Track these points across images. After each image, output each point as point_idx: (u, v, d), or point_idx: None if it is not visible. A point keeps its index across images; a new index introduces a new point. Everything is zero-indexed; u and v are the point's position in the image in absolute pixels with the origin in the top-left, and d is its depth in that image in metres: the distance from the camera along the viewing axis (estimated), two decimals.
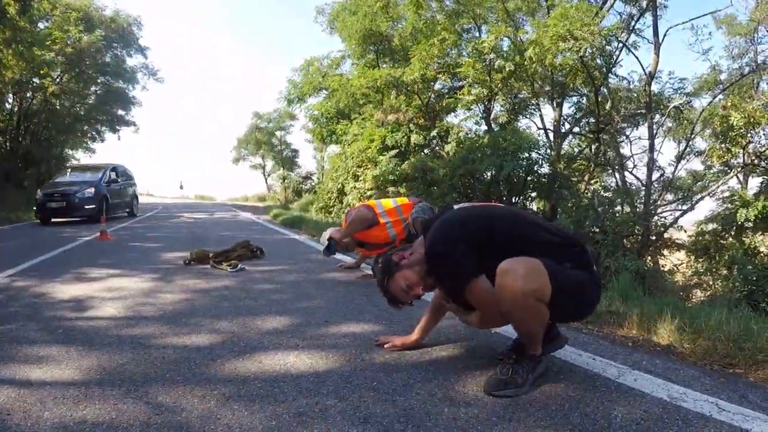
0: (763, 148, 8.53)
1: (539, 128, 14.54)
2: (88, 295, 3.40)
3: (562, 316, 1.94)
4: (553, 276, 1.74)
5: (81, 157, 25.36)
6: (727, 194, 8.44)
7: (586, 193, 10.83)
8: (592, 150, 13.45)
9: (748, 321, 2.41)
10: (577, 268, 1.85)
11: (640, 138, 14.52)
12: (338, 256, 5.49)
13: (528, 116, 15.12)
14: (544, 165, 10.76)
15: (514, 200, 11.11)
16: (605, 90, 12.37)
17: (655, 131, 11.75)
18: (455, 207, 2.06)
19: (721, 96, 12.96)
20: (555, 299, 1.74)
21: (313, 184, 29.49)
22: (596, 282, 1.91)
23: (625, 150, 14.24)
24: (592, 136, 13.07)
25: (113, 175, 12.48)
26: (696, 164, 15.75)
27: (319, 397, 1.77)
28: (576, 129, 14.26)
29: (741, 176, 12.36)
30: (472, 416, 1.62)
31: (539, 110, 14.35)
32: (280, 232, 9.08)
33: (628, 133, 13.93)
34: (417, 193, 11.16)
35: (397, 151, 13.43)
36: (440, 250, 1.87)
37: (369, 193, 12.87)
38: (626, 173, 13.61)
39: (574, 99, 14.13)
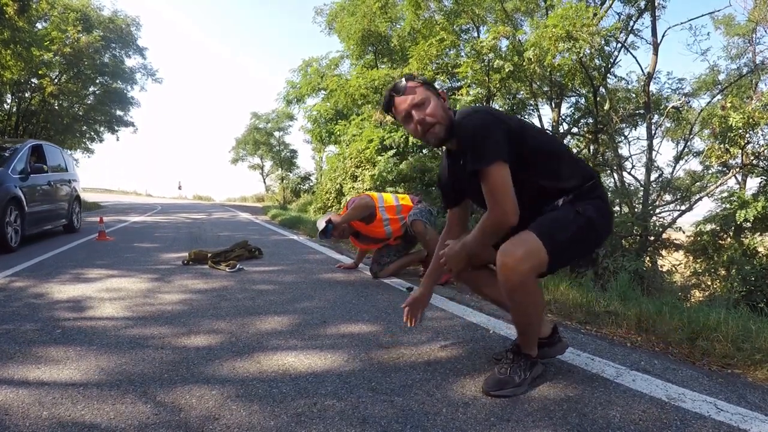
0: (762, 149, 8.54)
1: None
2: (87, 296, 3.40)
3: (567, 262, 1.90)
4: (549, 242, 1.69)
5: (79, 158, 25.37)
6: (725, 194, 8.45)
7: None
8: (591, 150, 13.47)
9: (746, 321, 2.41)
10: (593, 200, 1.82)
11: (638, 138, 14.61)
12: (336, 256, 5.50)
13: (526, 116, 15.15)
14: None
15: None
16: (604, 90, 12.40)
17: (653, 131, 11.79)
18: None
19: (719, 96, 13.01)
20: (555, 258, 1.71)
21: (311, 184, 29.51)
22: (605, 215, 1.86)
23: (623, 150, 14.31)
24: (590, 136, 13.10)
25: (34, 161, 6.93)
26: (694, 164, 15.81)
27: (317, 398, 1.77)
28: (574, 129, 14.29)
29: (739, 177, 12.40)
30: (471, 416, 1.62)
31: (538, 111, 14.39)
32: (278, 232, 9.07)
33: (626, 133, 14.00)
34: (415, 194, 11.16)
35: (395, 151, 13.43)
36: (476, 122, 1.77)
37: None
38: (625, 174, 13.64)
39: (573, 99, 14.17)
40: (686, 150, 13.89)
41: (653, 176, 12.20)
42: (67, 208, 7.99)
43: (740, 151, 8.65)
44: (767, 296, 6.33)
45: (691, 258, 8.82)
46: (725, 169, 10.43)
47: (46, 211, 7.13)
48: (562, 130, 13.85)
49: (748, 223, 7.59)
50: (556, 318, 2.90)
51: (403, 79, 1.92)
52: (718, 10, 13.64)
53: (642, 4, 11.47)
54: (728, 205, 7.92)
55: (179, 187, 42.24)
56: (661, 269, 9.53)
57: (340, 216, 4.08)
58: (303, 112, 22.93)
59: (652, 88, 11.69)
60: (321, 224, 4.10)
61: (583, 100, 13.74)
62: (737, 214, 7.39)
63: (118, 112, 23.31)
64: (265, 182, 39.58)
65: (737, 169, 9.82)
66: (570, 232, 1.75)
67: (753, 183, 10.47)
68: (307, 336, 2.51)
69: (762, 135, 8.61)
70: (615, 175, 13.77)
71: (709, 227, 8.30)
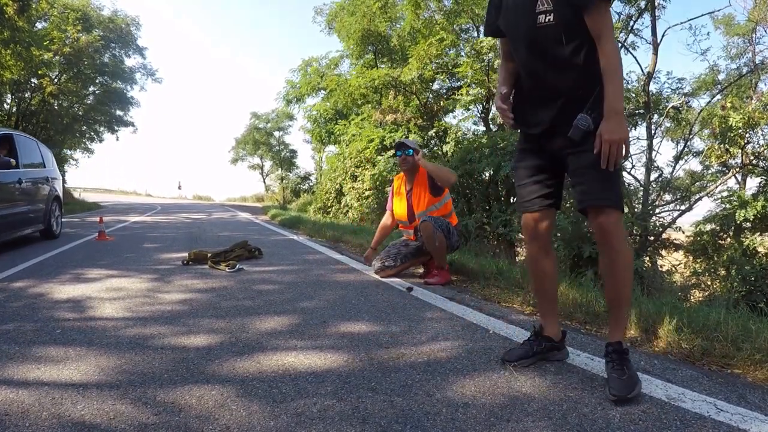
0: (762, 149, 8.55)
1: None
2: (87, 296, 3.39)
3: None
4: (618, 203, 1.85)
5: (79, 158, 25.38)
6: (725, 194, 8.46)
7: None
8: None
9: (746, 321, 2.41)
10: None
11: (638, 138, 14.61)
12: (336, 256, 5.49)
13: None
14: None
15: (512, 200, 11.12)
16: None
17: (653, 131, 11.81)
18: None
19: (719, 96, 13.02)
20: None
21: (311, 184, 29.54)
22: None
23: None
24: None
25: (4, 155, 5.93)
26: (694, 164, 15.83)
27: (317, 398, 1.76)
28: None
29: (739, 176, 12.41)
30: (471, 416, 1.62)
31: None
32: (278, 232, 9.07)
33: None
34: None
35: (395, 151, 13.43)
36: None
37: (367, 193, 12.88)
38: (624, 173, 13.65)
39: None
40: (686, 150, 13.92)
41: (653, 176, 12.23)
42: (44, 211, 6.76)
43: (740, 151, 8.66)
44: (767, 296, 6.33)
45: (691, 258, 8.83)
46: (725, 169, 10.44)
47: (16, 214, 5.89)
48: None
49: (748, 223, 7.60)
50: None
51: None
52: (718, 10, 13.72)
53: (642, 4, 11.49)
54: (728, 205, 7.93)
55: (179, 187, 42.35)
56: (660, 269, 9.52)
57: (428, 161, 4.11)
58: (303, 111, 22.98)
59: (652, 87, 11.73)
60: (410, 142, 4.15)
61: None
62: (737, 214, 7.40)
63: (118, 112, 23.36)
64: (264, 182, 39.67)
65: (737, 169, 9.83)
66: (615, 173, 1.83)
67: (753, 183, 10.49)
68: (307, 336, 2.51)
69: (762, 135, 8.63)
70: None
71: (708, 227, 8.30)
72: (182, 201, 37.25)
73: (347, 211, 13.55)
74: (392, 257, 4.12)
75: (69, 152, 24.84)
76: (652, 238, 9.53)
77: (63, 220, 8.01)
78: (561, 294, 3.16)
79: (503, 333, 2.55)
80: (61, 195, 7.73)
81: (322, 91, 20.44)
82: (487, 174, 10.64)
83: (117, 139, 24.43)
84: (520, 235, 9.00)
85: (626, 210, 10.19)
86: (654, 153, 11.82)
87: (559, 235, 7.55)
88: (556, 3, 1.79)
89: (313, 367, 2.08)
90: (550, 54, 1.85)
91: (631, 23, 11.88)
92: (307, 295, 3.51)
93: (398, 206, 4.28)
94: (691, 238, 8.95)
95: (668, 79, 16.60)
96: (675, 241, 9.68)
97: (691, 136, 13.88)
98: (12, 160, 5.88)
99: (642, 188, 11.81)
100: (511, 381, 1.92)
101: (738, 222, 7.49)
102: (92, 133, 23.73)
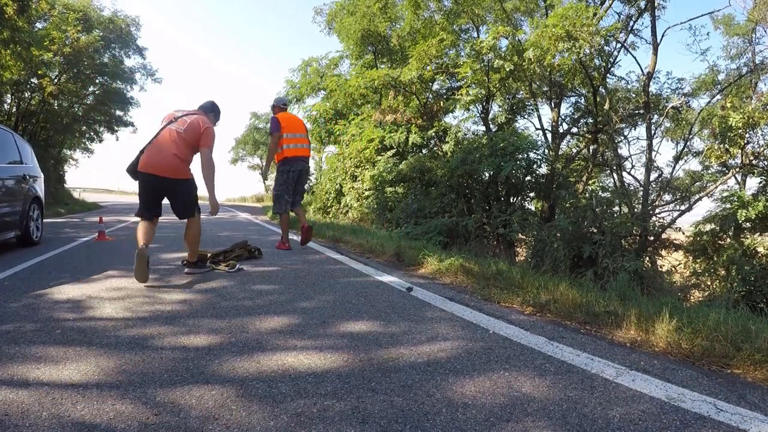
0: (762, 149, 8.55)
1: (537, 128, 14.61)
2: (87, 296, 3.39)
3: None
4: None
5: (79, 158, 25.37)
6: (726, 194, 8.45)
7: (584, 194, 10.84)
8: (590, 150, 13.49)
9: (746, 321, 2.41)
10: None
11: (638, 138, 14.64)
12: (336, 256, 5.49)
13: (526, 116, 15.17)
14: (542, 165, 10.78)
15: (512, 200, 11.13)
16: (603, 90, 12.40)
17: (653, 131, 11.79)
18: None
19: (719, 96, 13.02)
20: None
21: (311, 184, 29.50)
22: None
23: (623, 150, 14.34)
24: (590, 136, 13.11)
25: None
26: (694, 165, 15.83)
27: (317, 398, 1.76)
28: (574, 129, 14.29)
29: (739, 177, 12.41)
30: (471, 416, 1.62)
31: (537, 111, 14.40)
32: (277, 232, 9.06)
33: (626, 133, 14.03)
34: (415, 194, 11.15)
35: (394, 151, 13.43)
36: None
37: (367, 193, 12.89)
38: (624, 173, 13.66)
39: (573, 99, 14.19)
40: (686, 150, 13.90)
41: (653, 176, 12.21)
42: (20, 214, 5.78)
43: (740, 151, 8.66)
44: (767, 296, 6.33)
45: (690, 258, 8.82)
46: (725, 169, 10.44)
47: None
48: (561, 130, 13.86)
49: (748, 224, 7.60)
50: (555, 318, 2.90)
51: None
52: (718, 10, 13.71)
53: (642, 4, 11.48)
54: (728, 205, 7.93)
55: None
56: (660, 269, 9.52)
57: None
58: (302, 112, 22.96)
59: (652, 88, 11.71)
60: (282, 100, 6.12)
61: (583, 100, 13.75)
62: (738, 213, 7.40)
63: (118, 112, 23.31)
64: (264, 182, 39.63)
65: (737, 169, 9.82)
66: None
67: (752, 183, 10.49)
68: (307, 336, 2.51)
69: (762, 135, 8.63)
70: (615, 175, 13.77)
71: (708, 227, 8.30)
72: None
73: (347, 211, 13.55)
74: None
75: (69, 152, 24.84)
76: (652, 238, 9.53)
77: (62, 220, 7.82)
78: (561, 294, 3.16)
79: (503, 333, 2.56)
80: (42, 195, 6.78)
81: (322, 92, 20.45)
82: (487, 174, 10.64)
83: (117, 140, 24.44)
84: (520, 235, 9.02)
85: (626, 210, 10.22)
86: (654, 153, 11.78)
87: (558, 235, 7.55)
88: None
89: (313, 367, 2.08)
90: None
91: (631, 23, 11.86)
92: (306, 295, 3.51)
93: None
94: (691, 238, 8.94)
95: (668, 79, 16.65)
96: (675, 241, 9.68)
97: (690, 137, 13.85)
98: None
99: (642, 188, 11.80)
100: (511, 381, 1.92)
101: (739, 222, 7.49)
102: (92, 133, 23.69)
